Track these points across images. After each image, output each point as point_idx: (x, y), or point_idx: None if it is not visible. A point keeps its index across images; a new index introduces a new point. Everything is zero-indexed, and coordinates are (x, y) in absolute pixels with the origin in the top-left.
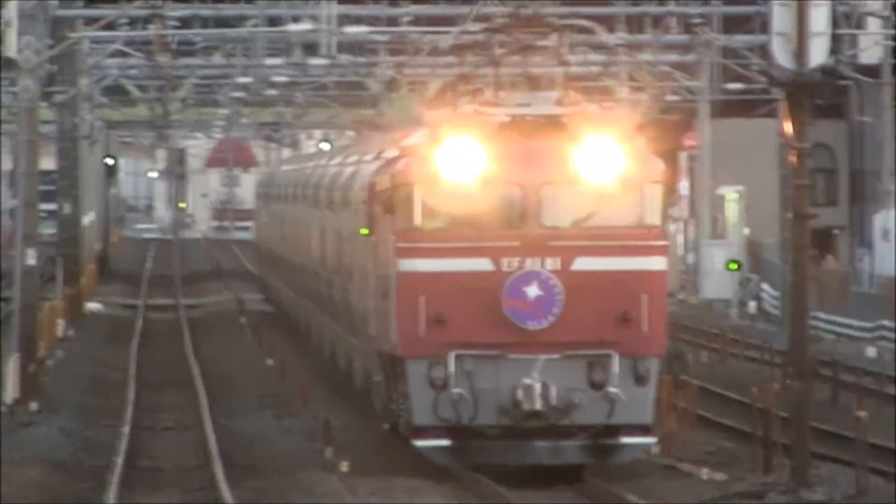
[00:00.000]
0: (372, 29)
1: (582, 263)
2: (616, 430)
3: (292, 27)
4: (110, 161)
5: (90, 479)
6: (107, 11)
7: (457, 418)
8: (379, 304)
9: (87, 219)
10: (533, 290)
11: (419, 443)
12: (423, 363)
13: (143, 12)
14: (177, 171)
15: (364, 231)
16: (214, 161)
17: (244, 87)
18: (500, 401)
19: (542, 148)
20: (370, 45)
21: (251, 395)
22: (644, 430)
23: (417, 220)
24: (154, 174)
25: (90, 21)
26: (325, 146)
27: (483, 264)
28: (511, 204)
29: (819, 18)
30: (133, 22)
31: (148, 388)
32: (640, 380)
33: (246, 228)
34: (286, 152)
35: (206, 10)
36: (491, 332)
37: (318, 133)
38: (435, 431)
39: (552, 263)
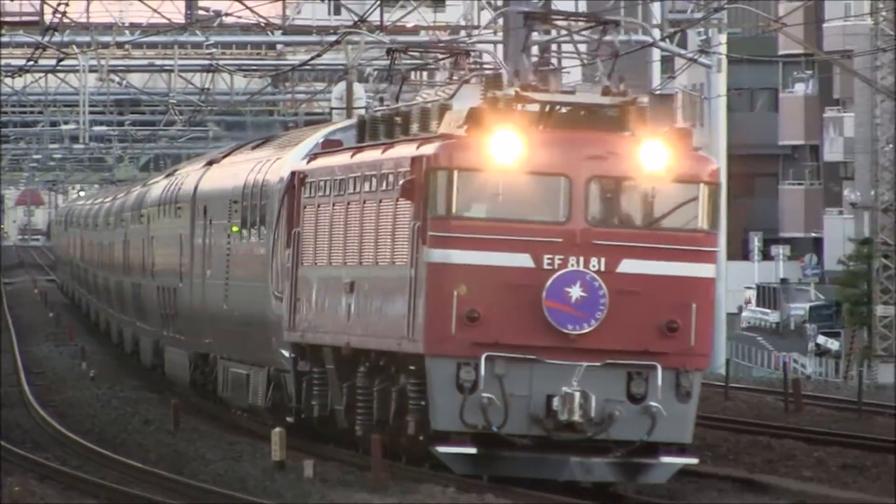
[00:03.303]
0: (110, 128)
1: (629, 266)
2: (654, 447)
3: (64, 127)
4: None
5: None
6: None
7: (485, 425)
8: (319, 296)
9: None
10: (576, 291)
11: (442, 449)
12: (450, 363)
13: None
14: None
15: (235, 228)
16: (20, 201)
17: (37, 161)
18: (532, 409)
19: (592, 139)
20: (108, 136)
21: (40, 333)
22: (682, 450)
23: (453, 207)
24: None
25: None
26: (83, 193)
27: (522, 260)
28: (556, 197)
29: None
30: None
31: None
32: (683, 395)
33: (38, 240)
34: (60, 198)
35: (16, 118)
36: (527, 333)
37: (78, 186)
38: (458, 438)
39: (597, 263)
